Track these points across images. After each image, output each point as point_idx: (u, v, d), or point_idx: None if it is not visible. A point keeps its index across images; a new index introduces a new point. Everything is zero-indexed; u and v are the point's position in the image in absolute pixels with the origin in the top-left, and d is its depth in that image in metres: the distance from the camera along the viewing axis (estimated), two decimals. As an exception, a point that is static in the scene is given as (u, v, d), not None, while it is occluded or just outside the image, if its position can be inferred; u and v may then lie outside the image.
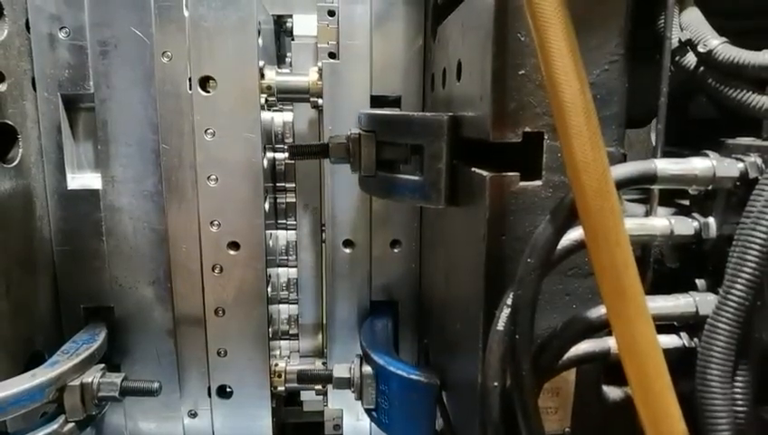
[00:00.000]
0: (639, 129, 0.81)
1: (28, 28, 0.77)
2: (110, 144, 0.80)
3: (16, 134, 0.75)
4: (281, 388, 0.92)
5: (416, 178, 0.61)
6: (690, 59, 0.50)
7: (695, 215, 0.49)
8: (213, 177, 0.82)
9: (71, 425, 0.70)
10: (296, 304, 0.97)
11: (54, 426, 0.69)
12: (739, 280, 0.39)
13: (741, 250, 0.39)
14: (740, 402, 0.40)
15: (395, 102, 0.86)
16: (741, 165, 0.44)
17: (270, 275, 0.90)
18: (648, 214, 0.53)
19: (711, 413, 0.40)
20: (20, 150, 0.76)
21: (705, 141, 0.49)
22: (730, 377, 0.40)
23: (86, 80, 0.79)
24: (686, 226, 0.48)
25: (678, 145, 0.53)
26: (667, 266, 0.54)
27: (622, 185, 0.42)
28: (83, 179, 0.83)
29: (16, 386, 0.64)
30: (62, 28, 0.77)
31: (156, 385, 0.76)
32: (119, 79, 0.79)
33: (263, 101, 0.83)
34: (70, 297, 0.84)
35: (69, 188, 0.81)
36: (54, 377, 0.68)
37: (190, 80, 0.80)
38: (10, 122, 0.74)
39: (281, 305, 0.98)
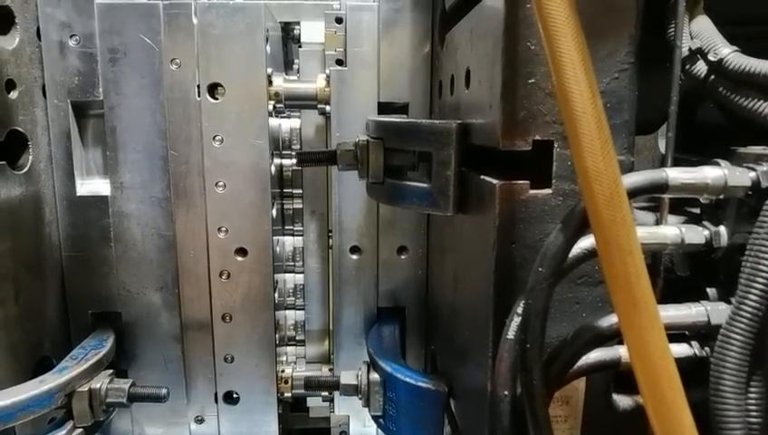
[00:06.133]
0: (647, 135, 0.81)
1: (39, 36, 0.78)
2: (119, 150, 0.81)
3: (27, 141, 0.76)
4: (287, 394, 0.92)
5: (424, 185, 0.61)
6: (701, 67, 0.50)
7: (705, 223, 0.49)
8: (221, 183, 0.83)
9: (79, 431, 0.71)
10: (303, 310, 0.97)
11: (62, 432, 0.69)
12: (753, 290, 0.39)
13: (754, 260, 0.39)
14: (754, 413, 0.40)
15: (402, 109, 0.87)
16: (753, 174, 0.44)
17: (277, 281, 0.91)
18: (658, 222, 0.53)
19: (724, 424, 0.40)
20: (30, 157, 0.76)
21: (713, 148, 0.49)
22: (744, 388, 0.40)
23: (95, 87, 0.79)
24: (696, 234, 0.48)
25: (686, 152, 0.53)
26: (678, 275, 0.54)
27: (633, 194, 0.42)
28: (92, 185, 0.84)
29: (25, 392, 0.64)
30: (72, 36, 0.78)
31: (164, 391, 0.77)
32: (128, 86, 0.79)
33: (270, 107, 0.84)
34: (78, 303, 0.85)
35: (78, 194, 0.82)
36: (63, 383, 0.68)
37: (198, 87, 0.81)
38: (21, 129, 0.75)
39: (287, 311, 0.98)
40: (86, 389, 0.71)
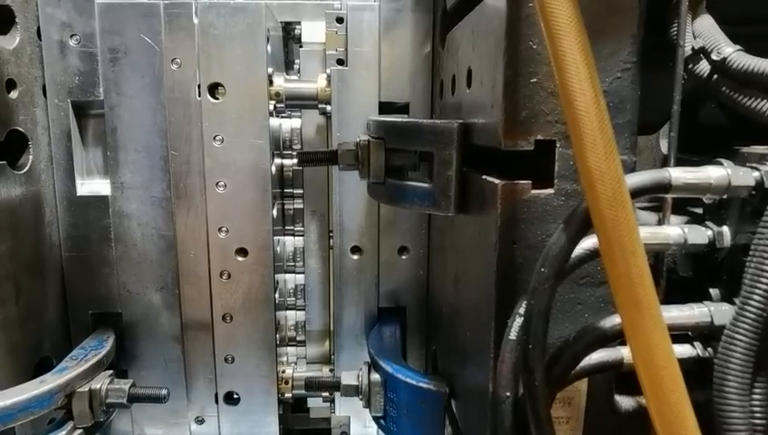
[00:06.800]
0: (648, 135, 0.81)
1: (39, 36, 0.77)
2: (120, 150, 0.80)
3: (27, 141, 0.76)
4: (288, 395, 0.92)
5: (425, 185, 0.61)
6: (704, 67, 0.50)
7: (708, 223, 0.49)
8: (221, 183, 0.83)
9: (79, 431, 0.70)
10: (303, 310, 0.97)
11: (62, 432, 0.69)
12: (756, 291, 0.39)
13: (758, 260, 0.39)
14: (758, 415, 0.40)
15: (403, 109, 0.86)
16: (756, 174, 0.44)
17: (277, 282, 0.90)
18: (660, 222, 0.52)
19: (728, 425, 0.39)
20: (30, 157, 0.76)
21: (715, 148, 0.49)
22: (748, 389, 0.40)
23: (96, 86, 0.79)
24: (699, 234, 0.48)
25: (688, 151, 0.53)
26: (680, 275, 0.53)
27: (636, 194, 0.42)
28: (92, 186, 0.83)
29: (25, 392, 0.64)
30: (72, 35, 0.78)
31: (164, 392, 0.76)
32: (128, 86, 0.79)
33: (271, 107, 0.83)
34: (78, 303, 0.85)
35: (78, 194, 0.82)
36: (63, 383, 0.68)
37: (199, 86, 0.80)
38: (21, 129, 0.75)
39: (288, 312, 0.98)
40: (86, 389, 0.71)
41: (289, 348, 0.99)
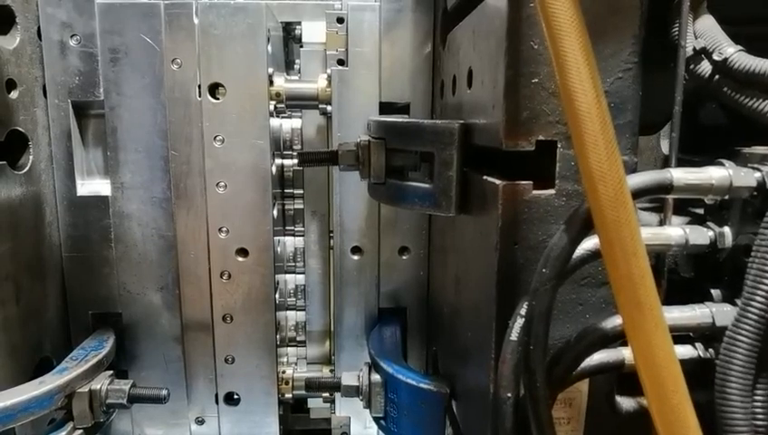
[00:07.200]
0: (648, 136, 0.80)
1: (39, 36, 0.77)
2: (120, 151, 0.80)
3: (27, 141, 0.76)
4: (288, 395, 0.92)
5: (426, 185, 0.61)
6: (705, 67, 0.50)
7: (710, 224, 0.49)
8: (221, 183, 0.82)
9: (79, 432, 0.70)
10: (304, 310, 0.97)
11: (63, 433, 0.69)
12: (759, 292, 0.39)
13: (760, 261, 0.39)
14: (760, 416, 0.40)
15: (404, 109, 0.86)
16: (758, 175, 0.44)
17: (278, 282, 0.90)
18: (662, 223, 0.52)
19: (730, 427, 0.39)
20: (30, 157, 0.76)
21: (715, 148, 0.49)
22: (750, 390, 0.40)
23: (96, 87, 0.79)
24: (701, 235, 0.48)
25: (688, 152, 0.53)
26: (682, 276, 0.53)
27: (638, 194, 0.42)
28: (93, 186, 0.83)
29: (25, 393, 0.64)
30: (72, 36, 0.78)
31: (164, 392, 0.76)
32: (128, 86, 0.79)
33: (271, 107, 0.83)
34: (78, 303, 0.84)
35: (78, 194, 0.82)
36: (63, 384, 0.68)
37: (199, 87, 0.80)
38: (21, 129, 0.74)
39: (288, 312, 0.98)
40: (86, 390, 0.71)
41: (289, 348, 0.99)
